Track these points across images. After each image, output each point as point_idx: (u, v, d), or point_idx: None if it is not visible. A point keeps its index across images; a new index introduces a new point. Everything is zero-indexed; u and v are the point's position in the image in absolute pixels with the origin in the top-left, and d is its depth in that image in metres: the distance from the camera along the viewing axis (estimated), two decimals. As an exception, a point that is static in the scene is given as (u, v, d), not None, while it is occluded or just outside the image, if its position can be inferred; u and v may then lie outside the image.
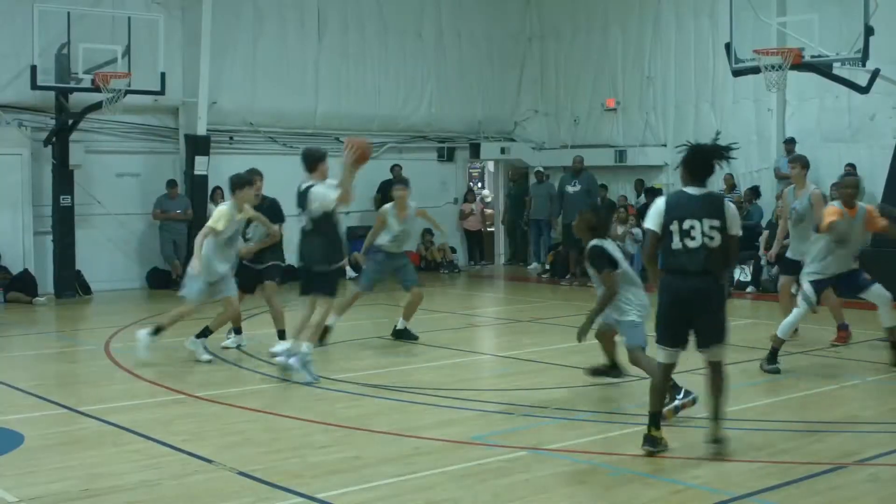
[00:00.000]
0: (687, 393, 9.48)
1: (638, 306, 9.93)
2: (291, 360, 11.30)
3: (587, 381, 10.86)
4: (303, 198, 11.41)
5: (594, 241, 9.99)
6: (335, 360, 12.70)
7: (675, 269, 8.09)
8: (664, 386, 8.48)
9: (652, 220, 8.20)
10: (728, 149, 8.30)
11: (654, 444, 8.19)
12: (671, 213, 8.08)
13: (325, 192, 11.26)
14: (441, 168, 26.18)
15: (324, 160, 11.58)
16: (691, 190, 8.17)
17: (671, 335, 8.25)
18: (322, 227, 11.34)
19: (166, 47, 20.29)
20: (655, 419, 8.24)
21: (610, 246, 10.09)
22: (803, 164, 13.52)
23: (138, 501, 7.24)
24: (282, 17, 23.11)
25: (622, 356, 10.54)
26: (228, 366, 12.63)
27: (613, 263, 9.90)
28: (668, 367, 8.37)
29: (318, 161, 11.49)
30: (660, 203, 8.23)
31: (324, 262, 11.38)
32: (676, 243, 8.02)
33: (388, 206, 14.33)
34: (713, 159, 8.21)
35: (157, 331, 12.61)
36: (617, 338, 10.37)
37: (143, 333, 12.58)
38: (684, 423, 9.34)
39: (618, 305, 9.91)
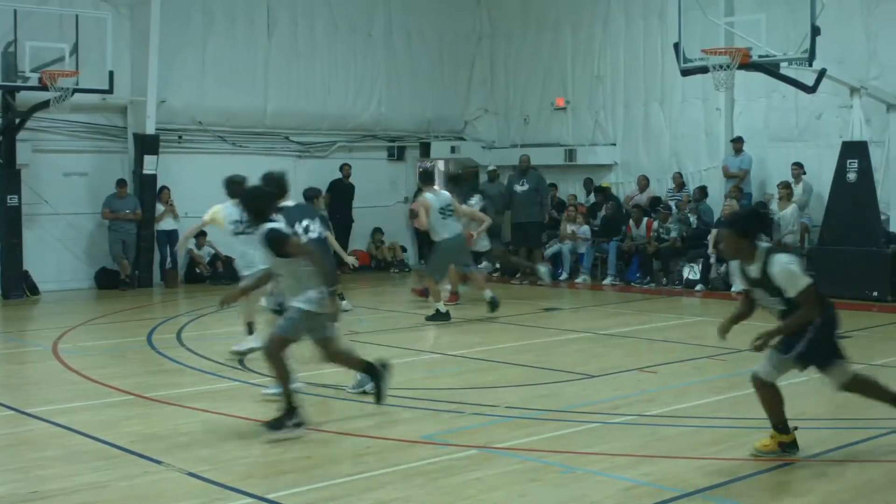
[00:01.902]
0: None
1: (309, 297, 9.06)
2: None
3: (537, 380, 10.90)
4: None
5: (269, 225, 9.06)
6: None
7: None
8: None
9: None
10: None
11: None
12: None
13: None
14: (391, 167, 26.10)
15: None
16: None
17: None
18: None
19: (114, 46, 20.09)
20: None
21: (283, 225, 9.24)
22: None
23: (87, 503, 7.20)
24: (231, 15, 22.93)
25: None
26: (178, 366, 12.56)
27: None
28: None
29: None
30: None
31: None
32: None
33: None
34: None
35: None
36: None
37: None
38: (634, 421, 9.40)
39: (296, 287, 9.17)
